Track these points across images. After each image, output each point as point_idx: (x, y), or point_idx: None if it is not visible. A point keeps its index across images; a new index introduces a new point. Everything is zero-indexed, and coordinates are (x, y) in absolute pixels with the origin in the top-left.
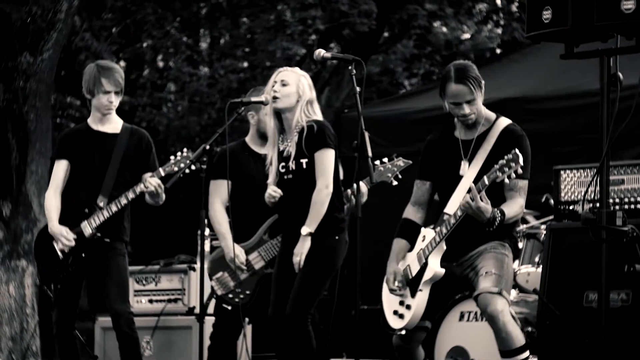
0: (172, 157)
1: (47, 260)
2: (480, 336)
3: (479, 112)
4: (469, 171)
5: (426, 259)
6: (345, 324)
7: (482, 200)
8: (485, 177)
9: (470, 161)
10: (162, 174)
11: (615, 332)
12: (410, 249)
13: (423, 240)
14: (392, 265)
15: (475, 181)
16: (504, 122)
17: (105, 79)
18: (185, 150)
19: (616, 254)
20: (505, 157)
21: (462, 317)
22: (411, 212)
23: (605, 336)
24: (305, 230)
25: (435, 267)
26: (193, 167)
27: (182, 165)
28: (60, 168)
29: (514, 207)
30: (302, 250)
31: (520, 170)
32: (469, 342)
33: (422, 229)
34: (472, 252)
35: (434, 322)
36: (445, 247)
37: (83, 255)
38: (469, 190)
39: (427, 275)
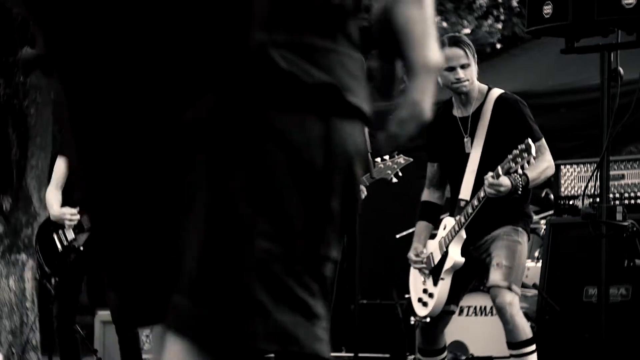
0: None
1: (48, 255)
2: (479, 331)
3: (472, 84)
4: (473, 151)
5: (447, 247)
6: (345, 318)
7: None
8: (499, 168)
9: (472, 137)
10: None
11: (614, 327)
12: (434, 228)
13: (444, 229)
14: (413, 244)
15: (482, 159)
16: (496, 92)
17: None
18: None
19: (616, 249)
20: (519, 147)
21: (461, 311)
22: (427, 194)
23: (604, 331)
24: None
25: (455, 257)
26: None
27: None
28: (62, 165)
29: (540, 164)
30: None
31: (533, 161)
32: (468, 337)
33: (444, 218)
34: (487, 236)
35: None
36: (465, 236)
37: (81, 248)
38: (480, 172)
39: (448, 264)
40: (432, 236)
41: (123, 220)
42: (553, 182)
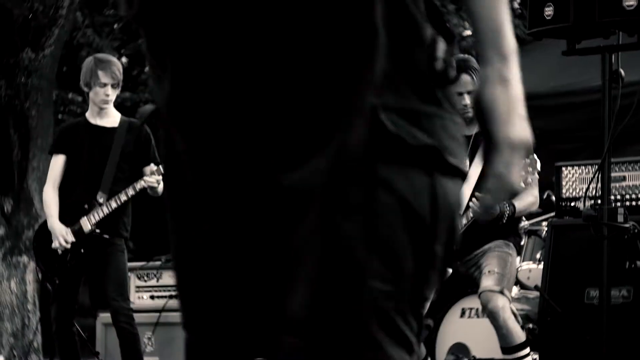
0: None
1: (46, 256)
2: (481, 333)
3: None
4: (472, 169)
5: None
6: None
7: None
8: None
9: (470, 156)
10: (163, 170)
11: (616, 329)
12: None
13: None
14: None
15: (480, 178)
16: None
17: (102, 72)
18: None
19: (617, 250)
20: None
21: (463, 313)
22: None
23: (606, 333)
24: None
25: None
26: None
27: None
28: (58, 163)
29: (527, 198)
30: None
31: (537, 175)
32: (470, 339)
33: None
34: (477, 251)
35: (435, 320)
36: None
37: (82, 251)
38: (474, 194)
39: None
40: None
41: (216, 275)
42: (554, 183)
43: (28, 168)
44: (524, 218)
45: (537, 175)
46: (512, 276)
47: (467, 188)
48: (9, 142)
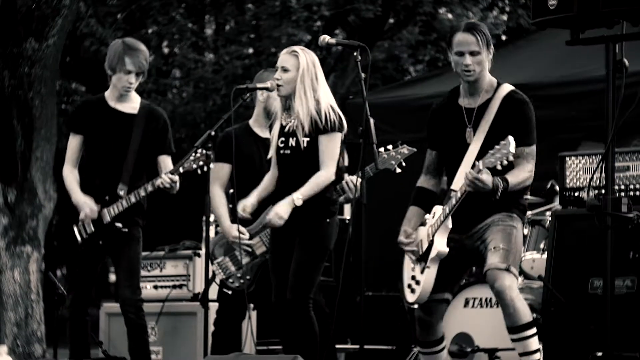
0: (192, 155)
1: (66, 245)
2: (485, 322)
3: (482, 75)
4: (472, 143)
5: (433, 236)
6: (350, 310)
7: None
8: (480, 163)
9: (474, 129)
10: (181, 171)
11: (620, 319)
12: (426, 213)
13: (433, 217)
14: (402, 227)
15: (480, 153)
16: (507, 88)
17: (129, 58)
18: (203, 150)
19: (621, 240)
20: (500, 142)
21: (467, 303)
22: (423, 180)
23: (610, 323)
24: (298, 199)
25: (439, 246)
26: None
27: (201, 163)
28: (75, 143)
29: (520, 174)
30: (282, 214)
31: (511, 158)
32: (473, 329)
33: (435, 206)
34: (480, 225)
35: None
36: (450, 226)
37: (100, 242)
38: (473, 166)
39: (433, 253)
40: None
41: None
42: (558, 173)
43: (31, 158)
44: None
45: (532, 147)
46: (518, 251)
47: (468, 161)
48: (13, 132)
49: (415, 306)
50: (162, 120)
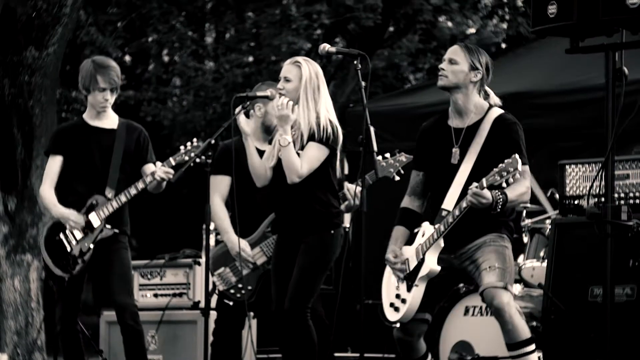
0: (182, 147)
1: (57, 254)
2: (485, 331)
3: (466, 95)
4: (463, 164)
5: (424, 255)
6: (350, 318)
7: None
8: (483, 180)
9: (461, 150)
10: (173, 163)
11: (620, 327)
12: (410, 236)
13: (422, 236)
14: (390, 247)
15: (472, 173)
16: (496, 112)
17: (100, 77)
18: (195, 140)
19: (621, 248)
20: (505, 161)
21: (467, 311)
22: (407, 202)
23: (610, 331)
24: (284, 140)
25: (431, 265)
26: (198, 161)
27: (192, 154)
28: (55, 163)
29: (519, 188)
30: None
31: (518, 176)
32: (473, 337)
33: (423, 224)
34: (470, 245)
35: (439, 317)
36: (442, 245)
37: (91, 247)
38: (466, 185)
39: (423, 271)
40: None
41: None
42: (558, 181)
43: (32, 166)
44: (524, 215)
45: (527, 167)
46: (512, 270)
47: (459, 181)
48: (13, 141)
49: (397, 325)
50: (143, 133)
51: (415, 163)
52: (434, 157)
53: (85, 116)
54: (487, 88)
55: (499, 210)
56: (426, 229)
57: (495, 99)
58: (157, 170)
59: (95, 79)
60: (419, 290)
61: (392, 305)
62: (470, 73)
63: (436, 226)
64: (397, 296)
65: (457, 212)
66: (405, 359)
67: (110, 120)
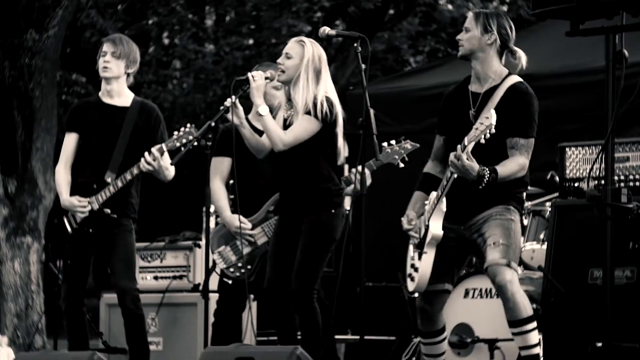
0: (175, 133)
1: (57, 237)
2: (484, 313)
3: (483, 60)
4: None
5: (428, 221)
6: (350, 301)
7: (466, 159)
8: (465, 138)
9: (477, 115)
10: (165, 149)
11: (619, 310)
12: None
13: (429, 203)
14: (407, 211)
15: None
16: (513, 79)
17: (105, 42)
18: (188, 125)
19: (621, 231)
20: (483, 117)
21: (466, 294)
22: (430, 166)
23: (609, 313)
24: (263, 109)
25: (434, 230)
26: (197, 144)
27: (184, 140)
28: (70, 141)
29: (511, 165)
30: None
31: (493, 130)
32: (473, 319)
33: (432, 192)
34: (478, 217)
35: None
36: (444, 209)
37: (90, 231)
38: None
39: (429, 237)
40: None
41: None
42: (558, 164)
43: (32, 149)
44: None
45: (530, 140)
46: (517, 245)
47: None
48: (13, 123)
49: (416, 295)
50: (155, 113)
51: (438, 127)
52: (454, 121)
53: (100, 94)
54: (515, 48)
55: (483, 185)
56: (432, 196)
57: (523, 61)
58: (141, 161)
59: (102, 45)
60: (428, 257)
61: (409, 275)
62: (484, 37)
63: (437, 191)
64: (412, 266)
65: (448, 174)
66: (424, 328)
67: (124, 99)
